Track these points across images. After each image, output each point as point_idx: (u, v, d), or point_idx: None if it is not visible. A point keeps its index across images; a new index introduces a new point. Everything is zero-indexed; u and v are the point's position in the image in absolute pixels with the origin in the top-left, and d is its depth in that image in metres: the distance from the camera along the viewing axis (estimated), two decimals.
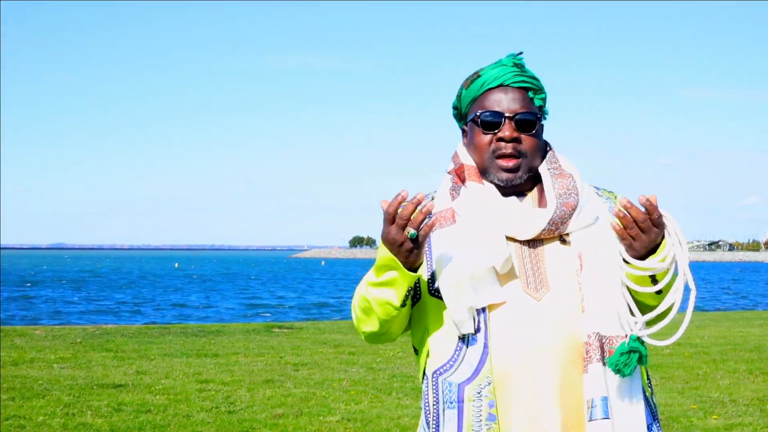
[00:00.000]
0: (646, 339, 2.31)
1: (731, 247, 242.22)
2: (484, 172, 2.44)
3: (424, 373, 2.45)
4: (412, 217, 2.25)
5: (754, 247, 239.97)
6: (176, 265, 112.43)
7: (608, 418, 2.29)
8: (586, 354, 2.31)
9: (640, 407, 2.36)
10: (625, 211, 2.26)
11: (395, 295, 2.33)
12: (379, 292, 2.35)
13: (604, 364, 2.31)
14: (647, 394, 2.42)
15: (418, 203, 2.26)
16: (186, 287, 52.23)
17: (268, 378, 10.53)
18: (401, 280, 2.31)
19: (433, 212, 2.41)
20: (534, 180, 2.47)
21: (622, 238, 2.29)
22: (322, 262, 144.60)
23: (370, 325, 2.43)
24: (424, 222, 2.26)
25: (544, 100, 2.49)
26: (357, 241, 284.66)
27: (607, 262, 2.34)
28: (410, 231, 2.25)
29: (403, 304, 2.36)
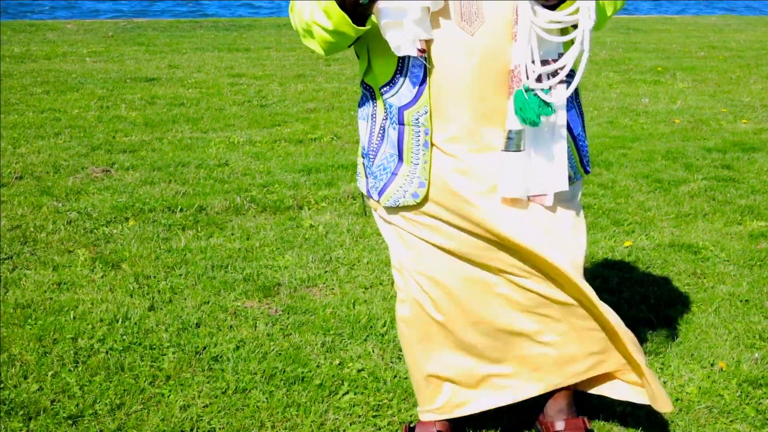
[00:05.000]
0: (538, 93, 2.27)
1: None
2: None
3: (366, 82, 2.49)
4: None
5: None
6: None
7: (519, 151, 2.30)
8: (511, 82, 2.29)
9: (561, 146, 2.36)
10: None
11: (344, 39, 2.31)
12: (327, 34, 2.30)
13: (526, 92, 2.27)
14: (576, 130, 2.44)
15: None
16: None
17: (299, 73, 10.58)
18: (350, 32, 2.26)
19: None
20: None
21: None
22: None
23: (313, 46, 2.40)
24: None
25: None
26: None
27: None
28: None
29: (350, 46, 2.37)
